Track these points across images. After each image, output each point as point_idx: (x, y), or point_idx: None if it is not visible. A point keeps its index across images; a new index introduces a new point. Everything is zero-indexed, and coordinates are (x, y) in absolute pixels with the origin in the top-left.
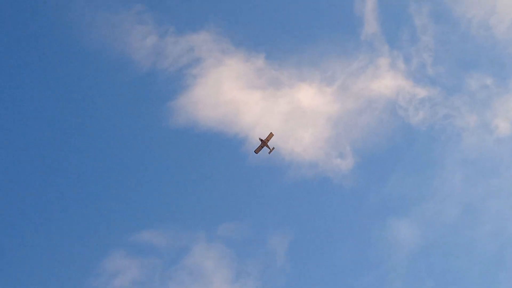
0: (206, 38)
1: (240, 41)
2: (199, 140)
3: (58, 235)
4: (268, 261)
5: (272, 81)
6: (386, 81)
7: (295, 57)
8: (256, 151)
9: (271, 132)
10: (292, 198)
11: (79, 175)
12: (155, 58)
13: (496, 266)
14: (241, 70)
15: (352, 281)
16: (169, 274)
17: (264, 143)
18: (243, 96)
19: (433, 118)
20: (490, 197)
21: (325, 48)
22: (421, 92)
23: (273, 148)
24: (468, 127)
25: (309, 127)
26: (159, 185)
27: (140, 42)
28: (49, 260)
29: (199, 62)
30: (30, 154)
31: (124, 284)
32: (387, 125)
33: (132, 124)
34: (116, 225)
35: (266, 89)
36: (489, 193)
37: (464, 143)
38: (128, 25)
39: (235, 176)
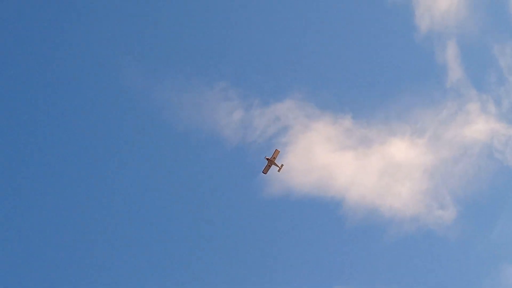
0: (290, 106)
1: (325, 104)
2: (295, 206)
3: None
4: None
5: (362, 140)
6: (479, 126)
7: (382, 113)
8: (264, 172)
9: (276, 149)
10: (396, 255)
11: (181, 253)
12: (244, 131)
13: None
14: (330, 133)
15: None
16: None
17: (271, 161)
18: (335, 158)
19: None
20: None
21: (411, 100)
22: None
23: (282, 165)
24: None
25: (405, 181)
26: (262, 255)
27: (227, 118)
28: None
29: (287, 130)
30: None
31: None
32: (485, 170)
33: (229, 198)
34: None
35: (357, 149)
36: None
37: None
38: (214, 103)
39: (335, 240)
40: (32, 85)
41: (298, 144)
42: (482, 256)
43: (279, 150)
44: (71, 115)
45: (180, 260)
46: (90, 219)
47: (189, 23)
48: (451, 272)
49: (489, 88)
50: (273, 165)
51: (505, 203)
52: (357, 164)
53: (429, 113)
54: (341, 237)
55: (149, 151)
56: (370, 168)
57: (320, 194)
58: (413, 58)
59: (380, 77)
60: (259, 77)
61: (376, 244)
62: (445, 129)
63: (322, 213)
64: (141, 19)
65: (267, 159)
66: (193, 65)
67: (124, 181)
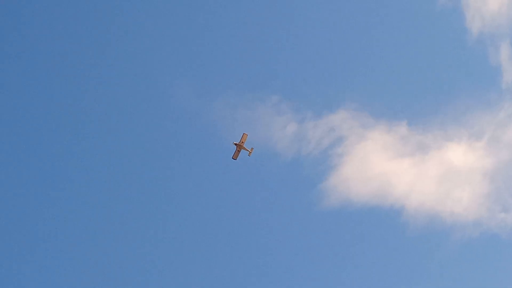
0: (344, 116)
1: (379, 112)
2: (355, 217)
3: None
4: None
5: (419, 146)
6: None
7: (438, 118)
8: (234, 157)
9: (244, 133)
10: (461, 260)
11: (241, 268)
12: (298, 144)
13: None
14: (385, 141)
15: None
16: None
17: (240, 146)
18: (392, 166)
19: None
20: None
21: (467, 103)
22: None
23: (252, 148)
24: None
25: (465, 186)
26: (324, 268)
27: (281, 132)
28: None
29: (342, 141)
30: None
31: None
32: None
33: (287, 212)
34: None
35: (414, 155)
36: None
37: None
38: (267, 117)
39: (398, 248)
40: (86, 108)
41: (354, 154)
42: None
43: (246, 133)
44: (128, 139)
45: (240, 275)
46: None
47: (238, 41)
48: None
49: None
50: (242, 150)
51: None
52: (415, 171)
53: (485, 116)
54: (403, 245)
55: (206, 170)
56: (428, 174)
57: (379, 203)
58: (466, 61)
59: (434, 81)
60: (311, 89)
61: (439, 250)
62: (503, 131)
63: (382, 222)
64: (190, 40)
65: (235, 144)
66: (244, 81)
67: (185, 202)
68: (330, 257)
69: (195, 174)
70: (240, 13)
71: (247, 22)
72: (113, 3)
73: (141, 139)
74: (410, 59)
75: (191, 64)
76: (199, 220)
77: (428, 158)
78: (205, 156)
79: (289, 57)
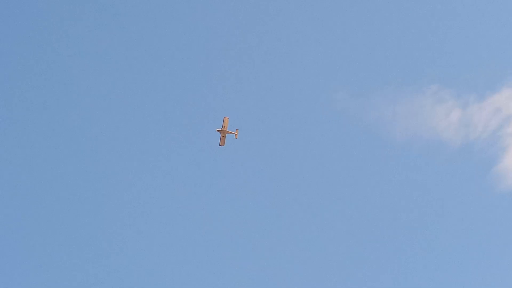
0: (509, 94)
1: None
2: None
3: None
4: None
5: None
6: None
7: None
8: (221, 144)
9: (224, 117)
10: None
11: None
12: (465, 130)
13: None
14: None
15: None
16: None
17: (223, 132)
18: None
19: None
20: None
21: None
22: None
23: (237, 129)
24: None
25: None
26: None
27: (445, 121)
28: None
29: (510, 120)
30: None
31: None
32: None
33: (462, 199)
34: None
35: None
36: None
37: None
38: (428, 108)
39: None
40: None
41: None
42: None
43: (227, 117)
44: (292, 144)
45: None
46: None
47: (385, 37)
48: None
49: None
50: (227, 134)
51: None
52: None
53: None
54: None
55: (371, 168)
56: None
57: None
58: None
59: None
60: (469, 73)
61: None
62: None
63: None
64: (340, 42)
65: (218, 131)
66: (398, 75)
67: (350, 201)
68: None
69: (359, 174)
70: (380, 8)
71: (390, 17)
72: None
73: (303, 144)
74: None
75: (343, 66)
76: (365, 219)
77: None
78: (369, 155)
79: (441, 44)
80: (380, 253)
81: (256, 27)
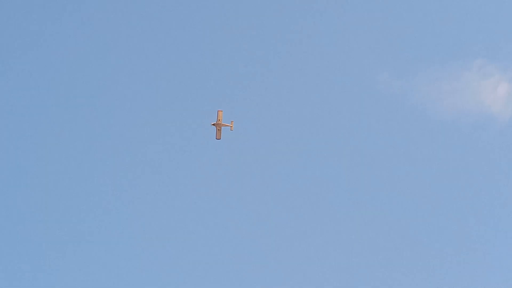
0: None
1: None
2: None
3: None
4: None
5: None
6: None
7: None
8: (217, 137)
9: (218, 110)
10: None
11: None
12: None
13: None
14: None
15: None
16: None
17: (218, 125)
18: None
19: None
20: None
21: None
22: None
23: (232, 121)
24: None
25: None
26: None
27: (492, 95)
28: None
29: None
30: None
31: None
32: None
33: None
34: None
35: None
36: None
37: None
38: (475, 84)
39: None
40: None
41: None
42: None
43: (221, 110)
44: (336, 128)
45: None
46: None
47: (427, 16)
48: None
49: None
50: (223, 127)
51: None
52: None
53: None
54: None
55: (421, 148)
56: None
57: None
58: None
59: None
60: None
61: None
62: None
63: None
64: (383, 25)
65: (213, 124)
66: (442, 53)
67: (407, 182)
68: None
69: (409, 154)
70: None
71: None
72: None
73: (348, 128)
74: None
75: (384, 48)
76: (418, 198)
77: None
78: (417, 135)
79: (484, 17)
80: (437, 234)
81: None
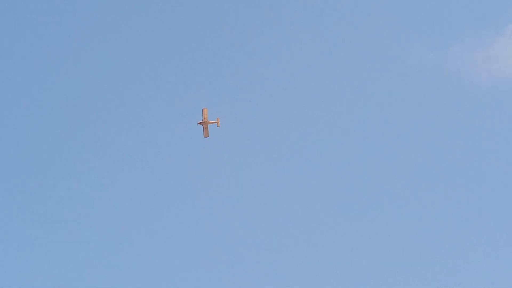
0: None
1: None
2: None
3: None
4: None
5: None
6: None
7: None
8: (205, 135)
9: (203, 108)
10: None
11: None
12: None
13: None
14: None
15: None
16: None
17: (204, 123)
18: None
19: None
20: None
21: None
22: None
23: (218, 118)
24: None
25: None
26: None
27: None
28: None
29: None
30: None
31: None
32: None
33: None
34: None
35: None
36: None
37: None
38: (509, 49)
39: None
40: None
41: None
42: None
43: (206, 108)
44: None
45: None
46: None
47: None
48: None
49: None
50: (209, 125)
51: None
52: None
53: None
54: None
55: (459, 118)
56: None
57: None
58: None
59: None
60: None
61: None
62: None
63: None
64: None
65: (200, 123)
66: (474, 21)
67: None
68: None
69: (446, 125)
70: None
71: None
72: None
73: (383, 105)
74: None
75: (416, 21)
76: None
77: None
78: (454, 105)
79: None
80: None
81: None
